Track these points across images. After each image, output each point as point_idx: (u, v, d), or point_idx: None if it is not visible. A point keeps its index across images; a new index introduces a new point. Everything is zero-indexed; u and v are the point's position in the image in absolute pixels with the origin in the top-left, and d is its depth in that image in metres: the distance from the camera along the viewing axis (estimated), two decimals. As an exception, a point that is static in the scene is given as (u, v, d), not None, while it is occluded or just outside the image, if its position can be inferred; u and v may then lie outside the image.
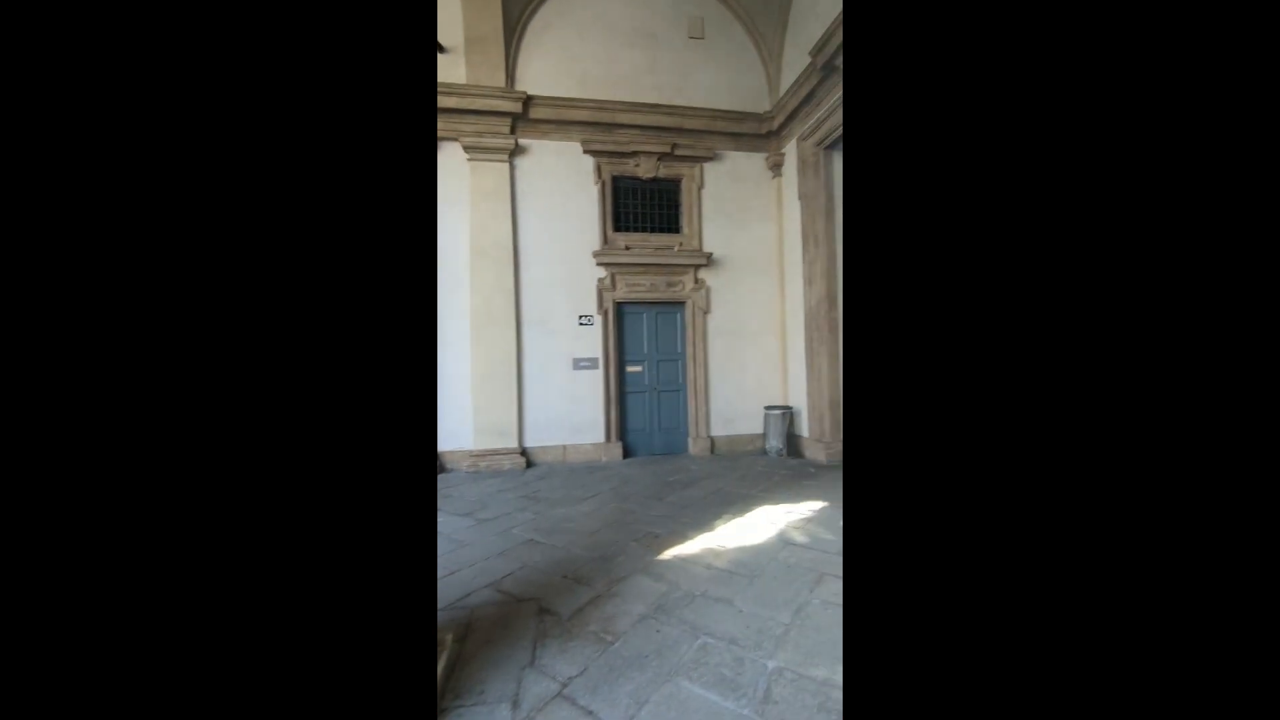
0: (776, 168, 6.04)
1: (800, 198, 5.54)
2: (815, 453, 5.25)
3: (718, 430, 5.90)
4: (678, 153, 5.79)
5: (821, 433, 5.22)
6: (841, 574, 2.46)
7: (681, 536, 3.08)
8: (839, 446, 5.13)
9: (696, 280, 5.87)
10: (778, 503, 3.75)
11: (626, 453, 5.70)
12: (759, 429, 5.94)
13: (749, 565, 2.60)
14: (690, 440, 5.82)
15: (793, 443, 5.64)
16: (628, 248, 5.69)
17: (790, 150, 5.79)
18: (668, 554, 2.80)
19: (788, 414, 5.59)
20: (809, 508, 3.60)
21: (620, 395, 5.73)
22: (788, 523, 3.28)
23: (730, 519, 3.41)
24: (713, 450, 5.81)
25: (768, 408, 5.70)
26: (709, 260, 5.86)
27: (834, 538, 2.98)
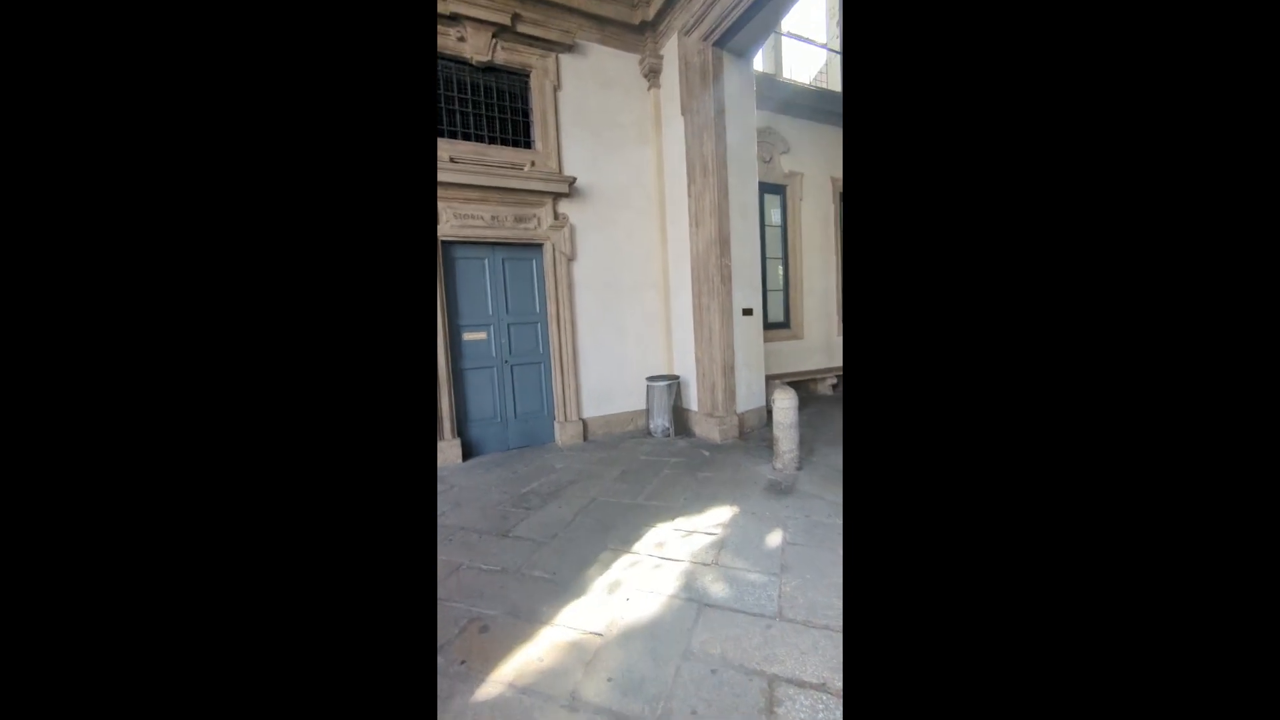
0: (654, 75, 4.76)
1: (684, 113, 4.37)
2: (707, 429, 4.40)
3: (591, 410, 4.70)
4: (522, 29, 4.12)
5: (714, 405, 4.37)
6: (799, 674, 1.45)
7: (531, 619, 1.82)
8: (734, 420, 4.34)
9: (557, 215, 4.42)
10: (673, 516, 2.71)
11: (468, 452, 4.18)
12: (641, 404, 4.90)
13: (646, 686, 1.45)
14: (557, 427, 4.53)
15: (680, 418, 4.73)
16: (454, 160, 3.94)
17: (670, 51, 4.54)
18: (499, 676, 1.52)
19: (674, 385, 4.63)
20: (715, 520, 2.63)
21: (455, 374, 4.13)
22: (692, 556, 2.24)
23: (610, 560, 2.24)
24: (586, 436, 4.62)
25: (650, 379, 4.67)
26: (572, 188, 4.43)
27: (762, 577, 2.01)
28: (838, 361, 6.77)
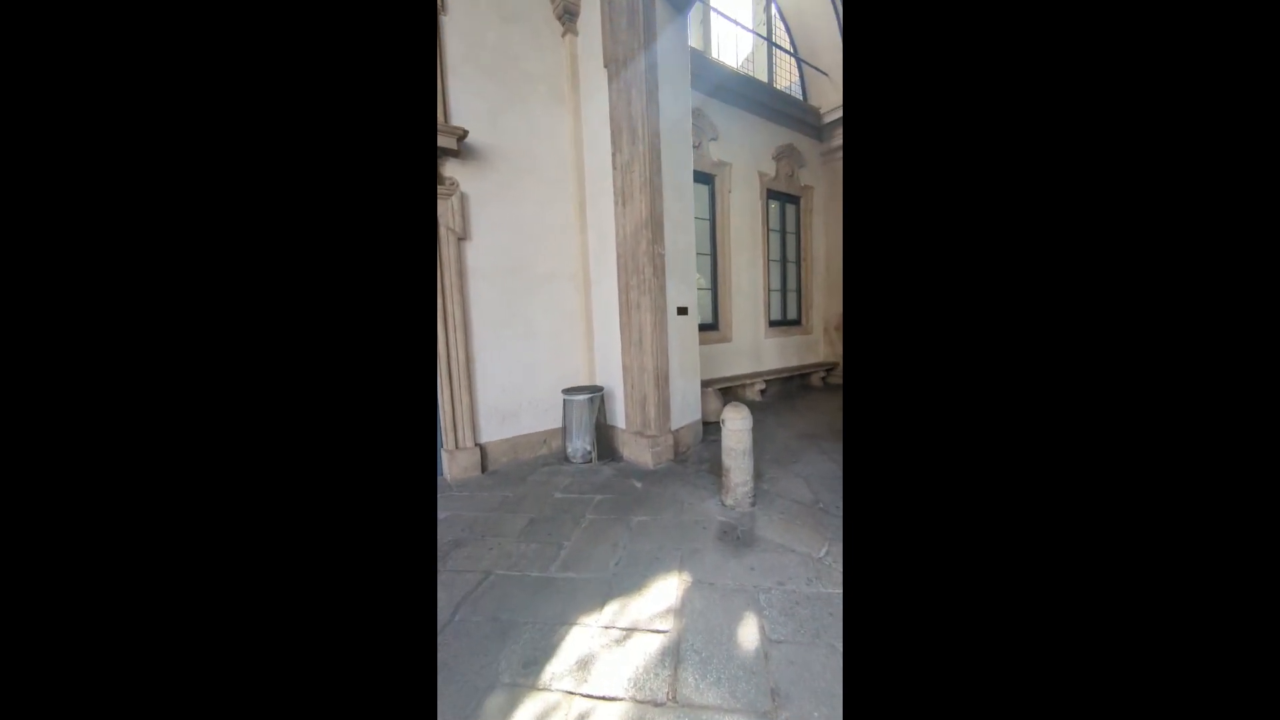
0: (569, 17, 3.89)
1: (608, 64, 3.57)
2: (638, 452, 3.65)
3: (493, 432, 3.71)
4: (387, -83, 3.01)
5: (645, 423, 3.62)
6: None
7: None
8: (668, 440, 3.64)
9: (443, 179, 3.36)
10: (602, 601, 1.89)
11: (308, 500, 2.97)
12: (556, 422, 4.01)
13: None
14: (446, 456, 3.47)
15: (604, 438, 3.93)
16: (276, 84, 2.73)
17: (590, -11, 3.71)
18: None
19: (596, 399, 3.81)
20: (661, 601, 1.86)
21: (286, 391, 2.89)
22: (635, 685, 1.45)
23: (505, 711, 1.37)
24: (485, 466, 3.62)
25: (567, 391, 3.80)
26: (462, 145, 3.41)
27: (748, 726, 1.28)
28: (765, 366, 6.45)
